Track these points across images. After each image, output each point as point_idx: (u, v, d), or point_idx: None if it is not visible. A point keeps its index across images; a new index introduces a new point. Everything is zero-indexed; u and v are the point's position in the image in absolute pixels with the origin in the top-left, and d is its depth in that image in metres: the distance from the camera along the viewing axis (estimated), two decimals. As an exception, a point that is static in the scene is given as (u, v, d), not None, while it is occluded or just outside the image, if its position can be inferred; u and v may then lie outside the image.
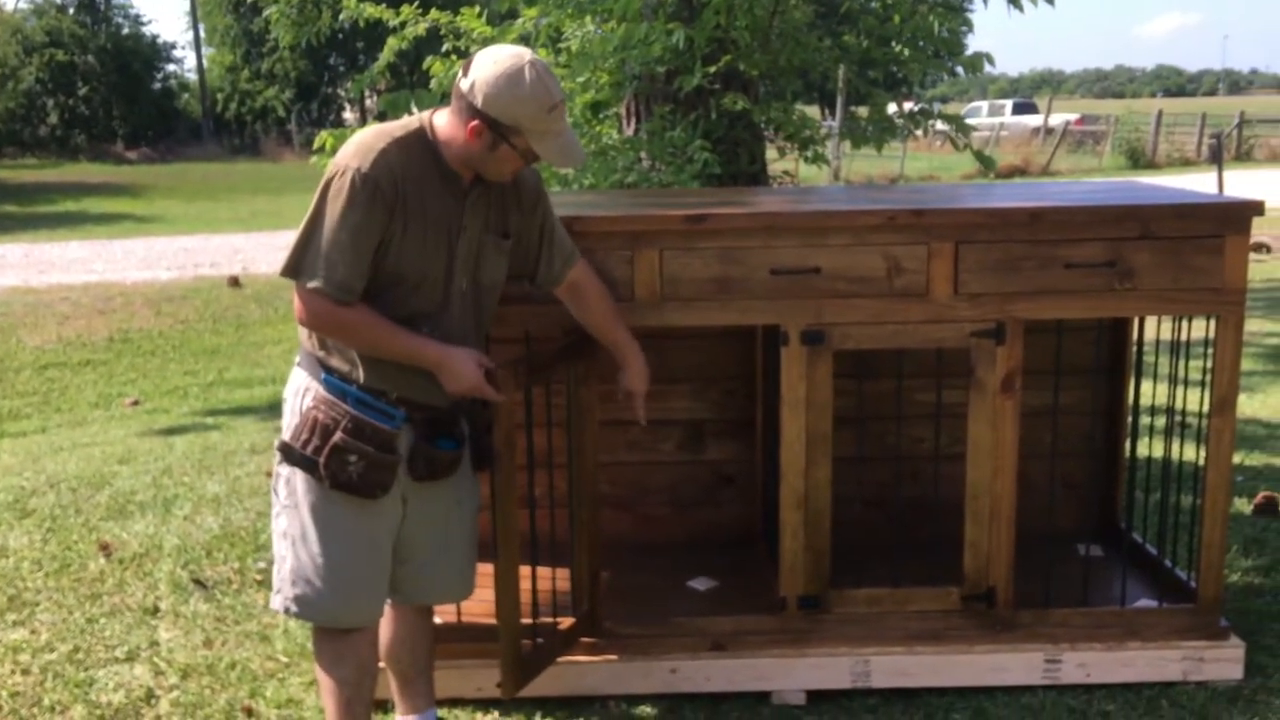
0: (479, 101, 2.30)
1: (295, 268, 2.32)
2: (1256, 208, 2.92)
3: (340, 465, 2.34)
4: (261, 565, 3.93)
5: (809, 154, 4.95)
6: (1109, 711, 2.92)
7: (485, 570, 3.21)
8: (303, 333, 2.43)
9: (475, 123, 2.31)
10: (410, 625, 2.70)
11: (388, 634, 2.69)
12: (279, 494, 2.45)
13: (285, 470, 2.42)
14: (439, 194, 2.38)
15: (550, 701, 2.98)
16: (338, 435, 2.33)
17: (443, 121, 2.39)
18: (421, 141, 2.37)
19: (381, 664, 2.67)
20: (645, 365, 2.84)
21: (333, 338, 2.38)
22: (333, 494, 2.37)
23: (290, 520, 2.43)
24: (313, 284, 2.30)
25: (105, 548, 4.16)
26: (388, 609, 2.65)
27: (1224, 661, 3.03)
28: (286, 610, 2.47)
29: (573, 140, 2.42)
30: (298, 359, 2.49)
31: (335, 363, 2.40)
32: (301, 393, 2.43)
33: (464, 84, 2.33)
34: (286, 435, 2.41)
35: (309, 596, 2.44)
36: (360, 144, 2.31)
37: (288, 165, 29.23)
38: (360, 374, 2.39)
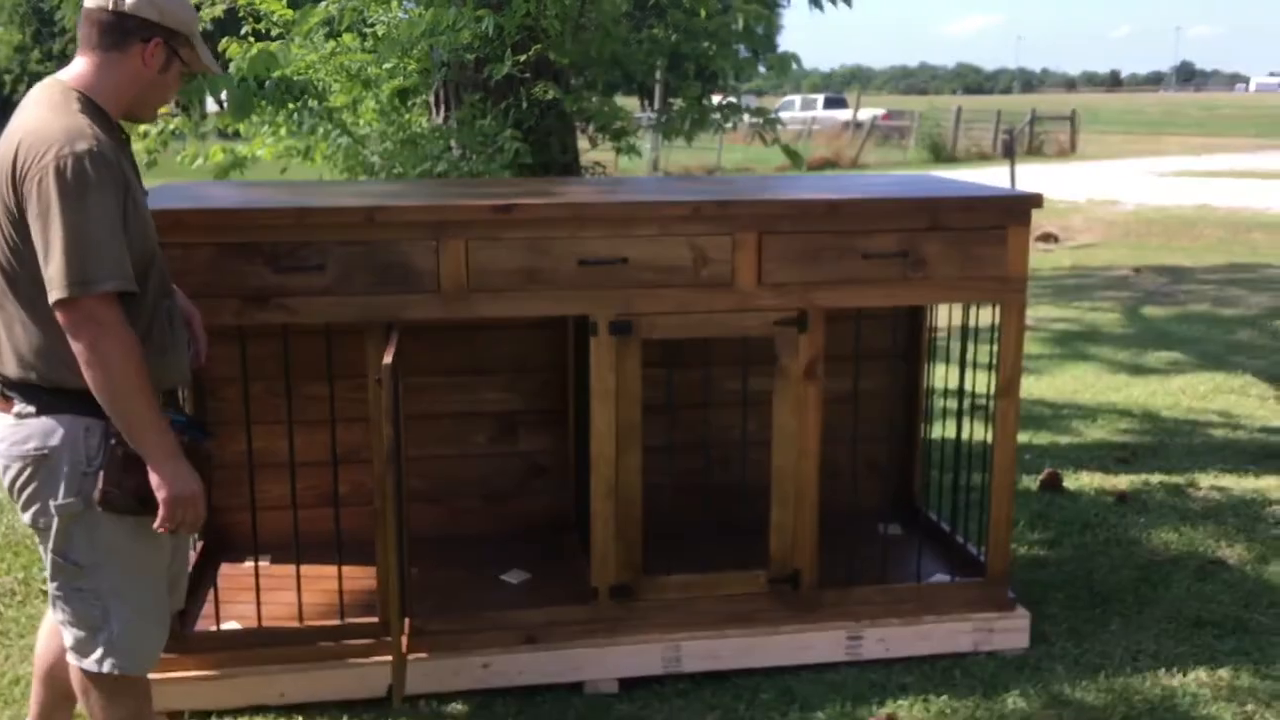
0: (154, 15, 2.13)
1: (81, 280, 2.00)
2: (1036, 200, 3.08)
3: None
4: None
5: (621, 145, 4.98)
6: (907, 684, 3.04)
7: (285, 572, 3.12)
8: (41, 369, 2.11)
9: (155, 41, 2.15)
10: None
11: (56, 648, 2.41)
12: (74, 559, 2.18)
13: (82, 529, 2.16)
14: (125, 156, 2.21)
15: (357, 704, 2.91)
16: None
17: (85, 73, 2.15)
18: (86, 106, 2.13)
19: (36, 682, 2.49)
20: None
21: (92, 365, 2.03)
22: (142, 530, 2.17)
23: (102, 578, 2.20)
24: (109, 285, 2.02)
25: None
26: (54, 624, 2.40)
27: (1011, 631, 3.20)
28: (103, 667, 2.23)
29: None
30: (22, 408, 2.14)
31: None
32: (72, 441, 2.12)
33: (128, 4, 2.13)
34: (100, 485, 2.12)
35: (139, 648, 2.26)
36: (60, 127, 2.05)
37: (83, 150, 27.58)
38: None
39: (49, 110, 2.10)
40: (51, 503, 2.15)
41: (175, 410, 2.29)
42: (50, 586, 2.24)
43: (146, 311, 2.20)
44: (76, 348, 2.05)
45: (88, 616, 2.22)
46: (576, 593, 3.11)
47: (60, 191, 2.01)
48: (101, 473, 2.13)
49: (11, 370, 2.15)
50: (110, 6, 2.15)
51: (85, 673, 2.27)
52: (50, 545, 2.19)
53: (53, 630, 2.41)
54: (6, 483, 2.19)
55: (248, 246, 2.74)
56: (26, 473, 2.15)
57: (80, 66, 2.18)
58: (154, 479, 2.11)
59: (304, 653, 2.90)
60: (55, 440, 2.13)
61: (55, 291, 2.02)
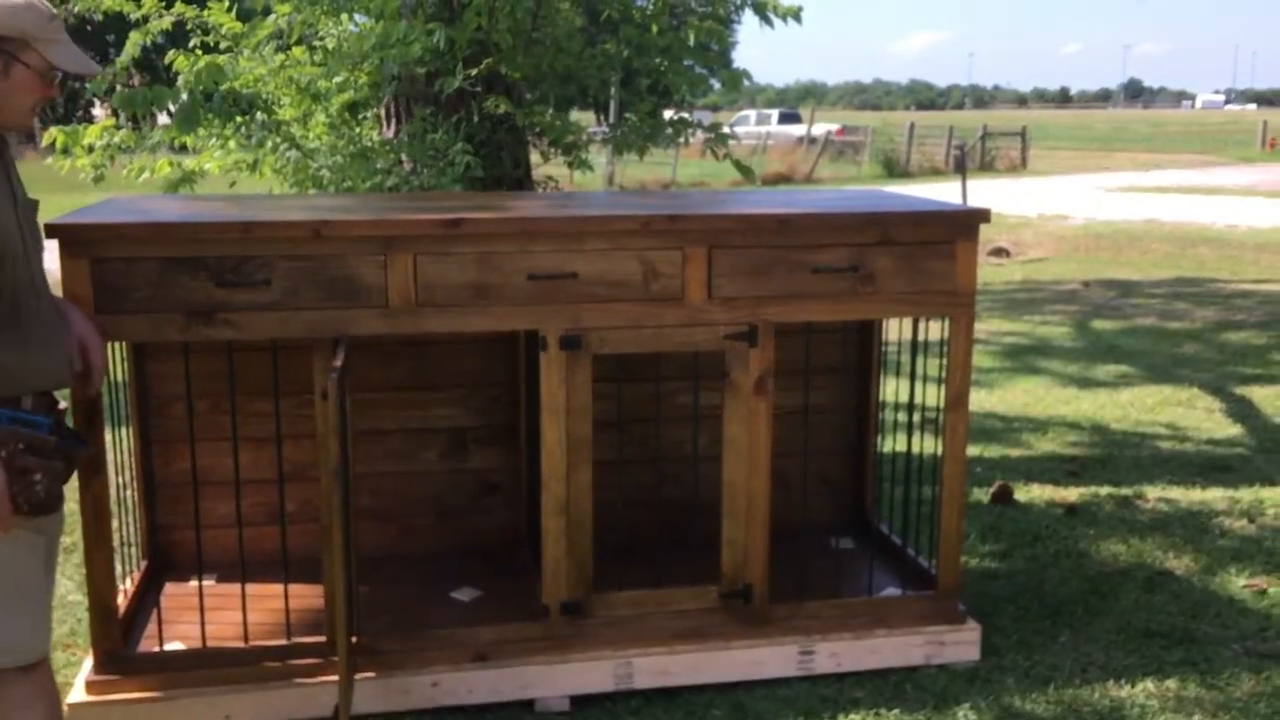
0: None
1: None
2: (984, 215, 3.11)
3: (28, 488, 2.15)
4: None
5: (573, 159, 4.97)
6: (859, 698, 3.05)
7: (231, 591, 3.08)
8: None
9: None
10: None
11: None
12: None
13: None
14: None
15: (305, 724, 2.86)
16: (14, 457, 2.14)
17: None
18: None
19: None
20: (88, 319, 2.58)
21: None
22: (11, 524, 2.15)
23: None
24: None
25: None
26: None
27: (962, 644, 3.21)
28: None
29: (80, 50, 2.28)
30: None
31: None
32: None
33: None
34: None
35: (7, 643, 2.20)
36: None
37: (29, 164, 27.23)
38: None
39: None
40: None
41: (45, 413, 2.26)
42: None
43: (7, 309, 2.18)
44: None
45: None
46: (528, 610, 3.09)
47: None
48: None
49: None
50: None
51: None
52: None
53: None
54: None
55: (192, 261, 2.70)
56: None
57: None
58: None
59: (249, 673, 2.85)
60: None
61: None
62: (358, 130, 4.81)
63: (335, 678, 2.75)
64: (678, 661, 3.06)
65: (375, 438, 3.52)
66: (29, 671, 2.26)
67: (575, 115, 5.74)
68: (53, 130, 4.49)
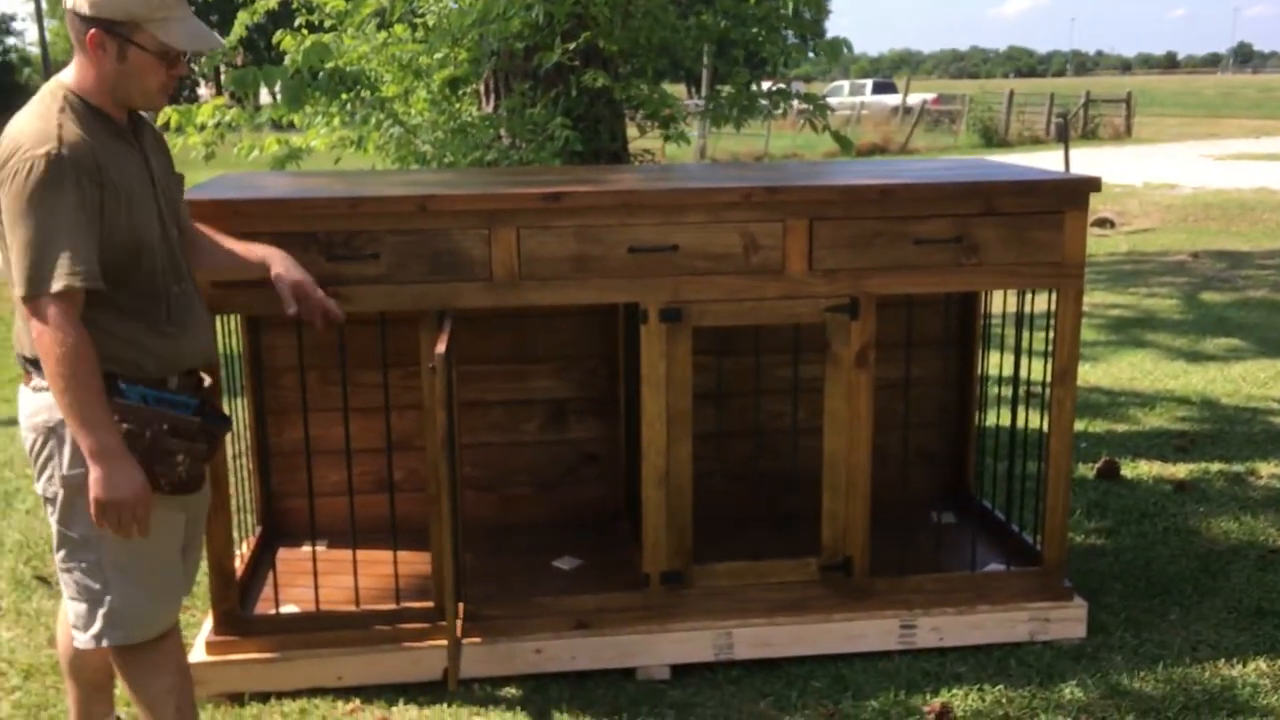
0: (86, 8, 2.16)
1: (37, 279, 2.06)
2: (1094, 184, 3.04)
3: (170, 469, 2.22)
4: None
5: (669, 132, 4.97)
6: (961, 673, 3.02)
7: (342, 556, 3.16)
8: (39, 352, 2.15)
9: (92, 33, 2.15)
10: None
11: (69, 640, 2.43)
12: (77, 531, 2.23)
13: (84, 500, 2.18)
14: (119, 151, 2.23)
15: (412, 687, 2.94)
16: (159, 439, 2.20)
17: (74, 73, 2.22)
18: (74, 104, 2.18)
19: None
20: (289, 256, 2.62)
21: (40, 357, 2.10)
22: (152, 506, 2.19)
23: (104, 550, 2.22)
24: (61, 284, 2.05)
25: (-61, 546, 3.95)
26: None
27: (1068, 621, 3.17)
28: (100, 642, 2.28)
29: (201, 25, 2.29)
30: (37, 381, 2.21)
31: (113, 368, 2.19)
32: None
33: (68, 3, 2.19)
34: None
35: (133, 618, 2.29)
36: (31, 130, 2.12)
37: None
38: (143, 368, 2.23)
39: (29, 113, 2.18)
40: (58, 473, 2.22)
41: (190, 393, 2.33)
42: (56, 558, 2.30)
43: (147, 296, 2.25)
44: (33, 338, 2.12)
45: (88, 589, 2.27)
46: (628, 579, 3.13)
47: (16, 194, 2.08)
48: None
49: (26, 347, 2.23)
50: (68, 6, 2.20)
51: (102, 650, 2.32)
52: (56, 516, 2.25)
53: (67, 623, 2.42)
54: (27, 452, 2.27)
55: (304, 236, 2.78)
56: (39, 443, 2.23)
57: (72, 66, 2.25)
58: (91, 475, 2.12)
59: (360, 636, 2.94)
60: (60, 414, 2.17)
61: (15, 289, 2.11)
62: (458, 106, 4.87)
63: (443, 642, 2.82)
64: (778, 633, 3.07)
65: (477, 409, 3.58)
66: (157, 641, 2.35)
67: (665, 88, 5.73)
68: (167, 109, 4.61)
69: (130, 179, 2.22)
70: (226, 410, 2.69)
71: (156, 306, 2.28)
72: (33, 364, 2.23)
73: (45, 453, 2.23)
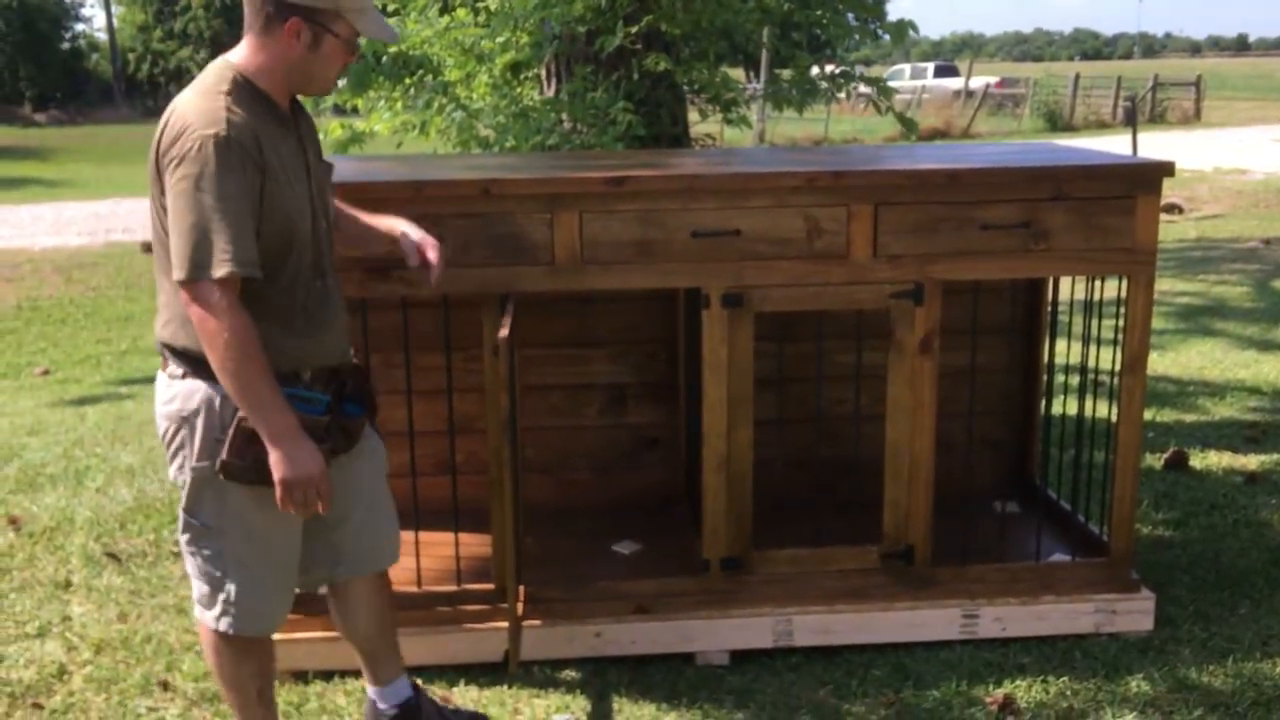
0: None
1: (200, 263, 2.06)
2: (1166, 168, 2.97)
3: None
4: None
5: (731, 116, 4.94)
6: (1025, 664, 2.99)
7: (404, 537, 3.19)
8: (186, 335, 2.20)
9: (292, 20, 2.15)
10: (359, 600, 2.58)
11: (335, 615, 2.61)
12: (202, 520, 2.27)
13: (211, 492, 2.24)
14: (279, 136, 2.23)
15: (473, 668, 2.97)
16: None
17: (245, 55, 2.21)
18: (241, 88, 2.17)
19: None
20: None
21: (204, 343, 2.10)
22: (268, 501, 2.21)
23: (226, 542, 2.27)
24: (222, 271, 2.05)
25: (14, 521, 4.05)
26: (330, 590, 2.57)
27: (1135, 613, 3.11)
28: (219, 624, 2.33)
29: (383, 16, 2.29)
30: (174, 369, 2.24)
31: None
32: (209, 406, 2.20)
33: None
34: (224, 454, 2.17)
35: (255, 611, 2.33)
36: (198, 110, 2.12)
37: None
38: (275, 364, 2.17)
39: (196, 92, 2.17)
40: (188, 463, 2.24)
41: (323, 388, 2.32)
42: (181, 539, 2.34)
43: (286, 291, 2.24)
44: (194, 325, 2.12)
45: (210, 575, 2.32)
46: (687, 565, 3.12)
47: (184, 175, 2.07)
48: (227, 442, 2.19)
49: (166, 333, 2.25)
50: None
51: (210, 630, 2.36)
52: (183, 503, 2.28)
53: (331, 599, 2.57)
54: (161, 438, 2.30)
55: (368, 219, 2.79)
56: (171, 431, 2.25)
57: (242, 47, 2.24)
58: (271, 458, 2.15)
59: (422, 616, 2.97)
60: (194, 403, 2.21)
61: (175, 272, 2.10)
62: (519, 90, 4.88)
63: (503, 624, 2.84)
64: (838, 621, 3.05)
65: (537, 393, 3.59)
66: (258, 641, 2.40)
67: (725, 70, 5.69)
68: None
69: (287, 165, 2.22)
70: None
71: (293, 303, 2.26)
72: (172, 351, 2.24)
73: (177, 441, 2.25)
